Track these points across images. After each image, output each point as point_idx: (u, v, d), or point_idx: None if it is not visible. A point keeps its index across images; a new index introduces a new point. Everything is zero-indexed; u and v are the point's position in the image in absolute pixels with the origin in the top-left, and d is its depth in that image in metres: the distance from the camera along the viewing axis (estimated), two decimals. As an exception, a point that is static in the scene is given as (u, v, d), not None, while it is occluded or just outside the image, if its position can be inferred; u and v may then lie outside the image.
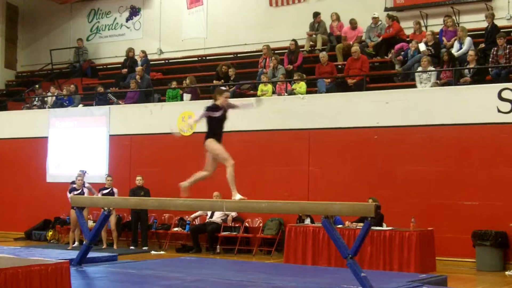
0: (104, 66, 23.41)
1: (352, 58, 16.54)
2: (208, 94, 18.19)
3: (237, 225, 16.23)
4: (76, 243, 16.34)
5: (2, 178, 19.93)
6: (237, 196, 9.63)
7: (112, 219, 16.50)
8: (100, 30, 23.93)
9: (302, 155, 15.64)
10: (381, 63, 17.49)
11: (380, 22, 17.84)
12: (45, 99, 20.65)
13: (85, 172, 16.67)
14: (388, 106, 14.82)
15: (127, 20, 23.38)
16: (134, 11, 23.24)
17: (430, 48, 15.89)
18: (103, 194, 16.14)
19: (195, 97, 17.85)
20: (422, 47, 15.99)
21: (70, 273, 7.10)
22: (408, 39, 17.12)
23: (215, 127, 9.75)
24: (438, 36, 16.51)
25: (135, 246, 16.69)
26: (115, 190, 16.49)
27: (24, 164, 19.55)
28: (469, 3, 17.67)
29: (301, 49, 18.28)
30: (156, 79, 20.38)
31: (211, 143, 9.66)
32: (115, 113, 18.40)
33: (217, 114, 9.66)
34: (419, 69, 15.31)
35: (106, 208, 11.34)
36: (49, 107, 20.10)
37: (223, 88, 10.39)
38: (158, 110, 17.78)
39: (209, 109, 9.63)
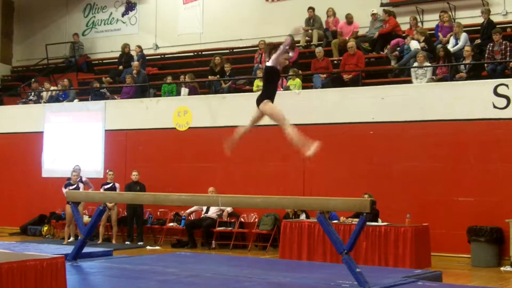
0: (100, 61, 23.38)
1: (348, 53, 16.55)
2: (205, 89, 18.21)
3: (232, 220, 16.23)
4: (72, 238, 16.33)
5: (-3, 173, 19.93)
6: (314, 145, 9.17)
7: (113, 215, 16.53)
8: (96, 25, 23.91)
9: (298, 150, 15.61)
10: (377, 59, 17.51)
11: (379, 16, 17.86)
12: (41, 94, 20.62)
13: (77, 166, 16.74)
14: (384, 101, 14.82)
15: (123, 15, 23.35)
16: (130, 6, 23.21)
17: (424, 45, 15.88)
18: (105, 189, 16.15)
19: (194, 92, 17.84)
20: (413, 44, 15.97)
21: (66, 268, 7.09)
22: (404, 34, 17.12)
23: (275, 86, 9.37)
24: (428, 31, 16.52)
25: (130, 241, 16.69)
26: (117, 185, 16.51)
27: (19, 159, 19.52)
28: (465, -1, 17.71)
29: (297, 44, 18.27)
30: (152, 74, 20.36)
31: (270, 105, 9.19)
32: (111, 108, 18.37)
33: (291, 54, 9.31)
34: (415, 64, 15.31)
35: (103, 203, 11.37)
36: (44, 102, 20.07)
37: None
38: (154, 105, 17.76)
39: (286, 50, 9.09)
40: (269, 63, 9.25)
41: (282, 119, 9.22)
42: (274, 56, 9.19)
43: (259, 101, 9.24)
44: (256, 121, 9.53)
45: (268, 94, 9.25)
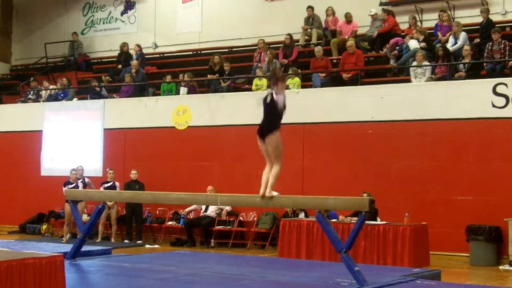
0: (99, 60, 23.37)
1: (347, 52, 16.54)
2: (204, 88, 18.21)
3: (231, 219, 16.24)
4: (68, 235, 16.38)
5: (-4, 171, 19.93)
6: (274, 193, 9.17)
7: (113, 213, 16.53)
8: (94, 24, 23.88)
9: (297, 149, 15.63)
10: (376, 58, 17.50)
11: (378, 16, 17.84)
12: (40, 92, 20.62)
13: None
14: (383, 100, 14.83)
15: (122, 14, 23.32)
16: (129, 5, 23.18)
17: (424, 44, 15.88)
18: (105, 188, 16.16)
19: (193, 91, 17.84)
20: (412, 43, 15.98)
21: (64, 266, 7.09)
22: (403, 33, 17.12)
23: (281, 117, 9.08)
24: (427, 31, 16.52)
25: (129, 239, 16.70)
26: (117, 183, 16.52)
27: (18, 158, 19.52)
28: (464, -2, 17.71)
29: (296, 44, 18.27)
30: (151, 73, 20.35)
31: (279, 138, 8.98)
32: (110, 107, 18.37)
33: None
34: (414, 63, 15.32)
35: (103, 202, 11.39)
36: (43, 101, 20.07)
37: (283, 74, 9.75)
38: (153, 104, 17.76)
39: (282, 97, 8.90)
40: (279, 102, 8.92)
41: (281, 156, 9.07)
42: (282, 100, 8.90)
43: (263, 132, 8.99)
44: (269, 155, 9.21)
45: (277, 125, 9.02)
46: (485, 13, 16.04)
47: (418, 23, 17.28)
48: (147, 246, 16.04)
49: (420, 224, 12.81)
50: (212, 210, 16.20)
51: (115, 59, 21.25)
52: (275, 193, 9.26)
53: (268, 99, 8.97)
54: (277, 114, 8.97)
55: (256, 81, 16.88)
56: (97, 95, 19.12)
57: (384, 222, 12.75)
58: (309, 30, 18.84)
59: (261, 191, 9.25)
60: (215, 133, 16.69)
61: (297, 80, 16.41)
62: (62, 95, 20.00)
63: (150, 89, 18.72)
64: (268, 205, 9.83)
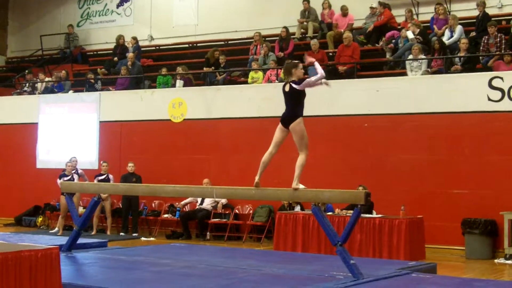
0: (95, 52, 23.34)
1: (343, 45, 16.51)
2: (200, 81, 18.19)
3: (227, 212, 16.24)
4: (56, 229, 16.41)
5: (-9, 164, 19.90)
6: (301, 186, 9.33)
7: (107, 206, 16.52)
8: (90, 16, 23.84)
9: (293, 142, 15.56)
10: (372, 51, 17.48)
11: (377, 12, 17.82)
12: (35, 85, 20.58)
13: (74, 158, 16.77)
14: (379, 94, 14.82)
15: (117, 6, 23.29)
16: (125, -3, 23.16)
17: (419, 37, 15.87)
18: (99, 181, 16.13)
19: (189, 84, 17.82)
20: (410, 35, 15.98)
21: (60, 258, 7.09)
22: (399, 27, 17.11)
23: (303, 105, 9.33)
24: (423, 24, 16.51)
25: (125, 232, 16.68)
26: (110, 176, 16.49)
27: (14, 150, 19.49)
28: (460, -9, 17.69)
29: (292, 37, 18.25)
30: (147, 66, 20.33)
31: (303, 125, 9.28)
32: (106, 100, 18.34)
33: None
34: (410, 57, 15.31)
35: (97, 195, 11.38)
36: (39, 93, 20.03)
37: (293, 61, 9.88)
38: (149, 96, 17.74)
39: (302, 82, 9.11)
40: (298, 87, 9.11)
41: (307, 145, 9.42)
42: (306, 83, 9.10)
43: (287, 121, 9.30)
44: (280, 144, 9.54)
45: (300, 113, 9.28)
46: (481, 7, 16.02)
47: (414, 17, 17.26)
48: (142, 238, 16.04)
49: (416, 218, 12.82)
50: (208, 203, 16.20)
51: (111, 51, 21.22)
52: (301, 186, 9.30)
53: (287, 88, 9.13)
54: (299, 103, 9.21)
55: (252, 74, 16.87)
56: (93, 88, 19.10)
57: (379, 215, 12.77)
58: (305, 23, 18.83)
59: (257, 178, 9.36)
60: (211, 126, 16.67)
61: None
62: (57, 87, 19.96)
63: (146, 82, 18.69)
64: (264, 198, 9.85)
